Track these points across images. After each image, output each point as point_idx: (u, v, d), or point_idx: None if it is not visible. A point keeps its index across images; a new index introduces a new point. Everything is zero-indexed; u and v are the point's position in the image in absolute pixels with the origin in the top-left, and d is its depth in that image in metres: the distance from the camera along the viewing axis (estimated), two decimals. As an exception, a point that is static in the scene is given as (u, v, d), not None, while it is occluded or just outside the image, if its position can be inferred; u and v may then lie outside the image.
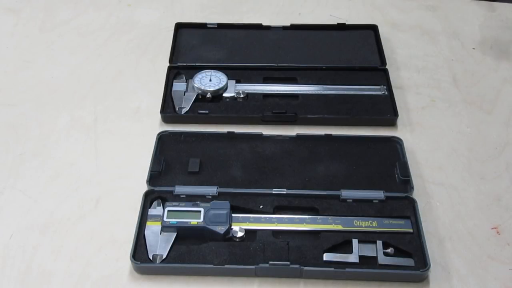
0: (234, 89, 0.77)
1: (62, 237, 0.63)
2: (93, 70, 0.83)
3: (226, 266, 0.59)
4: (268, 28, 0.87)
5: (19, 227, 0.64)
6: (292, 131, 0.74)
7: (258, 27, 0.87)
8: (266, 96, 0.77)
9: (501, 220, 0.65)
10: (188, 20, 0.89)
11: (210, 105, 0.76)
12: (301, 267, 0.59)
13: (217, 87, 0.77)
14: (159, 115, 0.75)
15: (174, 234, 0.62)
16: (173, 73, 0.80)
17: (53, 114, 0.76)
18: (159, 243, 0.61)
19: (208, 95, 0.76)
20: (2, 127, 0.75)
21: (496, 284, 0.60)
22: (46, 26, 0.90)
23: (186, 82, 0.79)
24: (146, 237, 0.61)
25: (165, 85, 0.78)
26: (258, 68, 0.81)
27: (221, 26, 0.87)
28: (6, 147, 0.72)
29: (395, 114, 0.75)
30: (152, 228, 0.62)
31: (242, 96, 0.77)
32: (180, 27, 0.87)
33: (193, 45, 0.85)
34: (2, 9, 0.93)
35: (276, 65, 0.81)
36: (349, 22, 0.88)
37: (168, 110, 0.76)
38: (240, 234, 0.62)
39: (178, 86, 0.78)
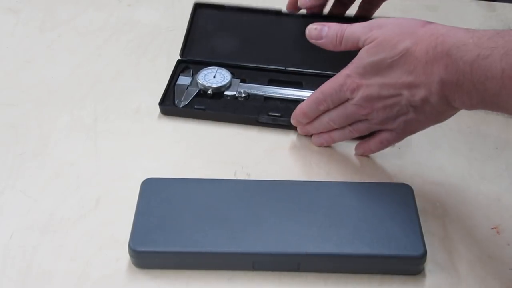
0: (237, 88, 0.77)
1: (62, 237, 0.63)
2: (93, 70, 0.83)
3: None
4: (287, 15, 0.83)
5: (19, 227, 0.64)
6: (287, 136, 0.74)
7: (278, 13, 0.83)
8: (267, 98, 0.77)
9: (501, 220, 0.65)
10: (188, 19, 0.89)
11: (210, 101, 0.76)
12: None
13: (219, 84, 0.77)
14: (159, 115, 0.75)
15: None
16: (182, 67, 0.80)
17: (53, 114, 0.76)
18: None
19: (209, 91, 0.77)
20: (2, 127, 0.75)
21: (496, 284, 0.60)
22: (46, 26, 0.90)
23: (192, 76, 0.79)
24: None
25: (170, 77, 0.78)
26: (265, 69, 0.80)
27: (239, 9, 0.84)
28: (6, 147, 0.72)
29: None
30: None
31: (243, 95, 0.77)
32: (198, 8, 0.84)
33: (207, 33, 0.83)
34: (2, 9, 0.93)
35: (284, 68, 0.81)
36: (349, 22, 0.88)
37: (167, 102, 0.76)
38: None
39: (183, 80, 0.78)
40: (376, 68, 0.63)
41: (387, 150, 0.72)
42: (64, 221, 0.64)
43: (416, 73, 0.60)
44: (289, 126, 0.74)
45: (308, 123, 0.71)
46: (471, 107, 0.59)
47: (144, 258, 0.60)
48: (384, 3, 0.95)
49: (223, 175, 0.68)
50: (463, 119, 0.76)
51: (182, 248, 0.60)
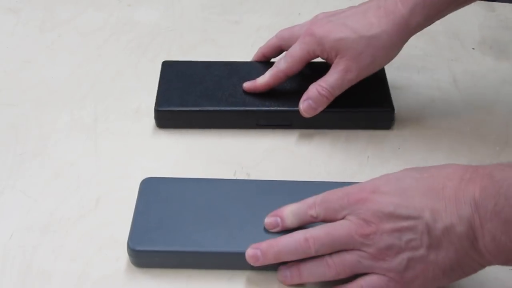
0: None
1: (62, 237, 0.63)
2: (93, 70, 0.83)
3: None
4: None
5: (19, 227, 0.64)
6: (287, 136, 0.74)
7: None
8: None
9: (501, 220, 0.65)
10: (188, 19, 0.89)
11: None
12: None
13: None
14: (159, 115, 0.76)
15: None
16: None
17: (53, 114, 0.77)
18: None
19: None
20: (2, 127, 0.75)
21: (496, 284, 0.60)
22: (46, 26, 0.90)
23: None
24: None
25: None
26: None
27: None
28: (6, 147, 0.72)
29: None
30: None
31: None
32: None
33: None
34: (2, 9, 0.93)
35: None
36: (349, 22, 0.88)
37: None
38: None
39: None
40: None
41: (387, 150, 0.72)
42: (64, 221, 0.64)
43: (445, 197, 0.52)
44: (290, 126, 0.74)
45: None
46: (498, 251, 0.51)
47: (143, 257, 0.60)
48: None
49: (223, 175, 0.68)
50: (463, 119, 0.76)
51: (182, 248, 0.60)
